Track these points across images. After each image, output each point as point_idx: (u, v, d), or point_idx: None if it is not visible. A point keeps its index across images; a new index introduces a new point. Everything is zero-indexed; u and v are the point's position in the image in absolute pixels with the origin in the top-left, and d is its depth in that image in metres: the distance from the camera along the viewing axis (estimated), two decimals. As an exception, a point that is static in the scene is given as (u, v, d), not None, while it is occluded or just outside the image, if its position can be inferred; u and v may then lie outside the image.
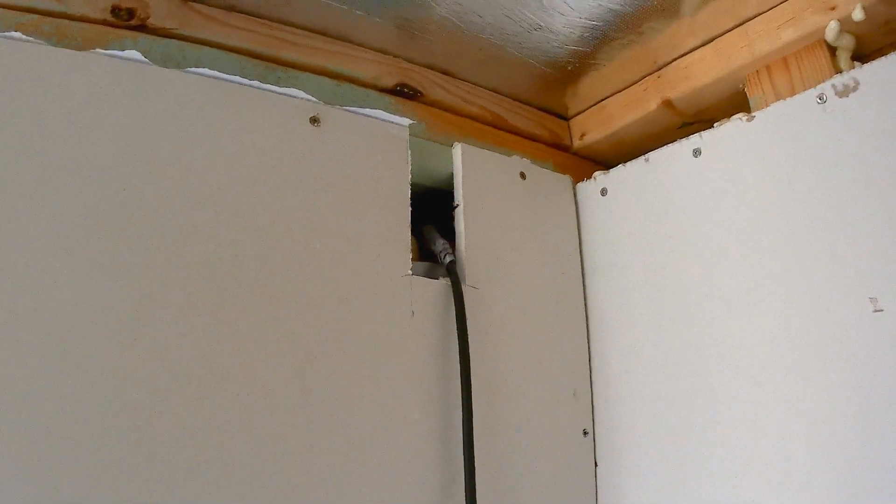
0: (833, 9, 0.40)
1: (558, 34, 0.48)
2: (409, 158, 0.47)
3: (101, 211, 0.35)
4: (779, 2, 0.43)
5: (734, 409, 0.41)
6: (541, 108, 0.58)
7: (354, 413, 0.39)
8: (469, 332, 0.43)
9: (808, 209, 0.39)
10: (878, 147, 0.36)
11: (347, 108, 0.46)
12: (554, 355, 0.50)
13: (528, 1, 0.44)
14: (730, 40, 0.46)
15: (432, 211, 0.49)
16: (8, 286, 0.32)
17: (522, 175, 0.53)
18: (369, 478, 0.39)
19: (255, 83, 0.43)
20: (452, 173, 0.50)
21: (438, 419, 0.42)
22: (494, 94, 0.55)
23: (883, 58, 0.37)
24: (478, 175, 0.50)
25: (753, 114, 0.44)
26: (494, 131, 0.54)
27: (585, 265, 0.54)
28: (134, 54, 0.39)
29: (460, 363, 0.42)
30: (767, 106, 0.43)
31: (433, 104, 0.52)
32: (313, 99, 0.44)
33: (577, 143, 0.59)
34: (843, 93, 0.38)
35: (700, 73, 0.48)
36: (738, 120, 0.44)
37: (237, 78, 0.42)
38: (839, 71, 0.40)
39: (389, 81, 0.49)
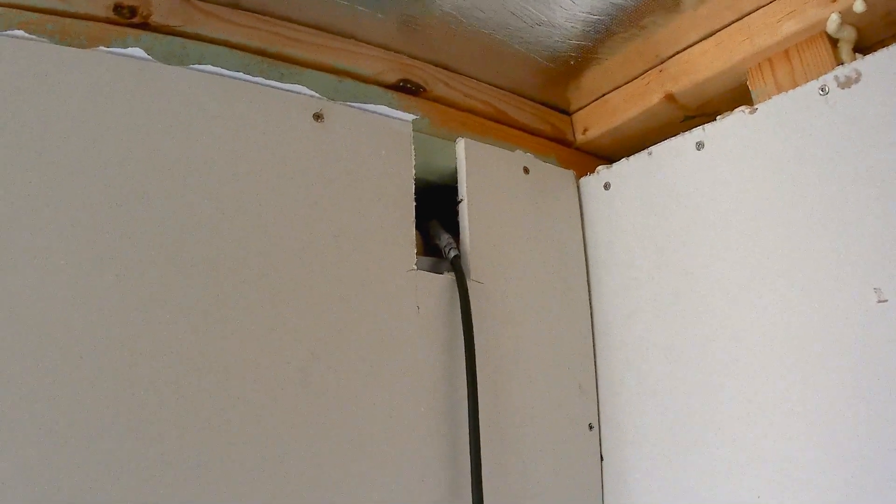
0: (834, 1, 0.41)
1: (560, 29, 0.49)
2: (413, 154, 0.48)
3: (104, 208, 0.35)
4: (780, -6, 0.44)
5: (739, 402, 0.42)
6: (543, 104, 0.59)
7: (360, 408, 0.40)
8: (474, 327, 0.44)
9: (811, 200, 0.40)
10: (880, 137, 0.37)
11: (351, 103, 0.46)
12: (559, 349, 0.50)
13: (530, -4, 0.45)
14: (731, 34, 0.47)
15: (435, 206, 0.50)
16: (12, 284, 0.32)
17: (526, 170, 0.54)
18: (376, 473, 0.39)
19: (259, 79, 0.43)
20: (456, 168, 0.51)
21: (444, 413, 0.43)
22: (497, 89, 0.56)
23: (885, 49, 0.37)
24: (481, 170, 0.51)
25: (756, 106, 0.44)
26: (497, 126, 0.55)
27: (589, 259, 0.55)
28: (137, 51, 0.40)
29: (466, 357, 0.43)
30: (770, 98, 0.43)
31: (436, 100, 0.52)
32: (317, 95, 0.45)
33: (579, 137, 0.60)
34: (846, 84, 0.39)
35: (702, 66, 0.49)
36: (741, 112, 0.45)
37: (240, 74, 0.42)
38: (841, 63, 0.41)
39: (392, 77, 0.50)
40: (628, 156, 0.53)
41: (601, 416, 0.51)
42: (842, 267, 0.37)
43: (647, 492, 0.47)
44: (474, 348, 0.43)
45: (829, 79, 0.40)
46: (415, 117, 0.49)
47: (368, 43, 0.50)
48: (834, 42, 0.42)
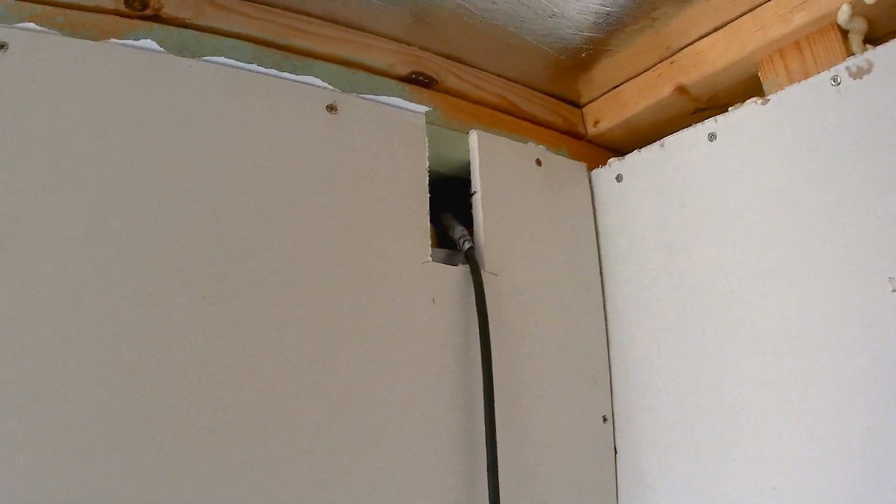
0: (845, -8, 0.42)
1: (572, 20, 0.50)
2: (427, 145, 0.48)
3: (116, 201, 0.36)
4: (791, -14, 0.45)
5: (753, 393, 0.42)
6: (554, 96, 0.60)
7: (376, 400, 0.40)
8: (489, 318, 0.44)
9: (824, 190, 0.40)
10: (893, 127, 0.38)
11: (364, 95, 0.47)
12: (572, 341, 0.51)
13: (542, -13, 0.46)
14: (742, 25, 0.48)
15: (447, 198, 0.51)
16: (25, 278, 0.32)
17: (538, 162, 0.54)
18: (393, 464, 0.40)
19: (272, 71, 0.44)
20: (468, 160, 0.51)
21: (460, 404, 0.43)
22: (508, 81, 0.57)
23: (896, 39, 0.39)
24: (494, 162, 0.51)
25: (768, 97, 0.45)
26: (508, 119, 0.56)
27: (602, 251, 0.56)
28: (149, 43, 0.40)
29: (481, 349, 0.43)
30: (782, 90, 0.44)
31: (447, 92, 0.53)
32: (330, 87, 0.45)
33: (590, 130, 0.61)
34: (858, 75, 0.40)
35: (713, 58, 0.50)
36: (753, 104, 0.46)
37: (254, 66, 0.43)
38: (852, 54, 0.42)
39: (404, 69, 0.51)
40: (639, 148, 0.54)
41: (615, 408, 0.52)
42: (856, 257, 0.38)
43: (661, 484, 0.47)
44: (490, 339, 0.44)
45: (841, 69, 0.41)
46: (428, 109, 0.50)
47: (380, 35, 0.50)
48: (845, 33, 0.43)
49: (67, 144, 0.35)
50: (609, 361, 0.53)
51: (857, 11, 0.42)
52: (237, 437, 0.35)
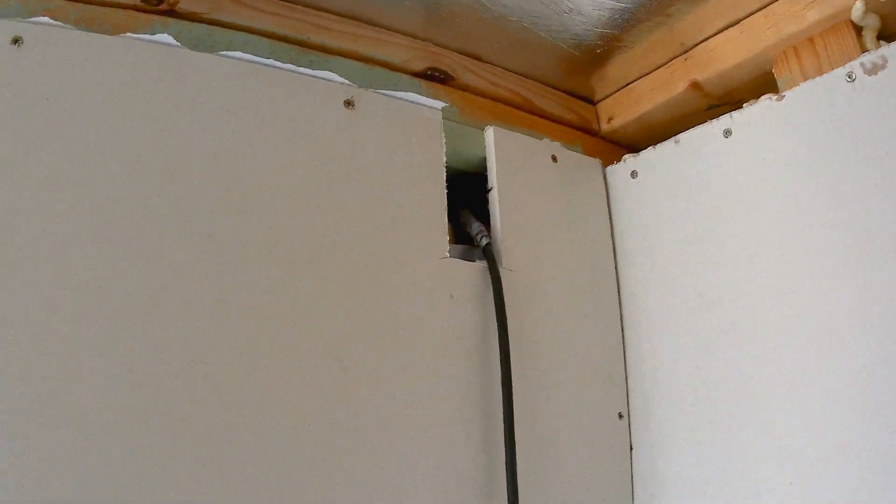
0: (858, -12, 0.43)
1: (587, 16, 0.51)
2: (444, 141, 0.49)
3: (132, 196, 0.36)
4: (804, -18, 0.46)
5: (770, 391, 0.43)
6: (568, 92, 0.61)
7: (394, 396, 0.41)
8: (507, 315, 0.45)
9: (840, 186, 0.41)
10: (908, 122, 0.39)
11: (381, 91, 0.48)
12: (588, 337, 0.52)
13: (558, -17, 0.47)
14: (756, 22, 0.49)
15: (463, 194, 0.52)
16: (38, 273, 0.33)
17: (554, 158, 0.55)
18: (410, 461, 0.40)
19: (289, 66, 0.44)
20: (484, 156, 0.52)
21: (478, 401, 0.44)
22: (523, 77, 0.58)
23: (911, 35, 0.40)
24: (510, 158, 0.52)
25: (783, 93, 0.46)
26: (524, 115, 0.57)
27: (617, 248, 0.57)
28: (165, 38, 0.41)
29: (500, 345, 0.44)
30: (796, 86, 0.45)
31: (463, 88, 0.54)
32: (347, 82, 0.46)
33: (604, 126, 0.61)
34: (872, 71, 0.41)
35: (727, 54, 0.51)
36: (768, 100, 0.47)
37: (271, 61, 0.43)
38: (866, 50, 0.43)
39: (420, 65, 0.51)
40: (652, 145, 0.55)
41: (630, 405, 0.53)
42: (871, 253, 0.39)
43: (676, 481, 0.48)
44: (508, 335, 0.44)
45: (855, 66, 0.42)
46: (444, 105, 0.50)
47: (396, 31, 0.51)
48: (858, 30, 0.44)
49: (83, 139, 0.36)
50: (625, 358, 0.54)
51: (870, 8, 0.43)
52: (252, 436, 0.35)
